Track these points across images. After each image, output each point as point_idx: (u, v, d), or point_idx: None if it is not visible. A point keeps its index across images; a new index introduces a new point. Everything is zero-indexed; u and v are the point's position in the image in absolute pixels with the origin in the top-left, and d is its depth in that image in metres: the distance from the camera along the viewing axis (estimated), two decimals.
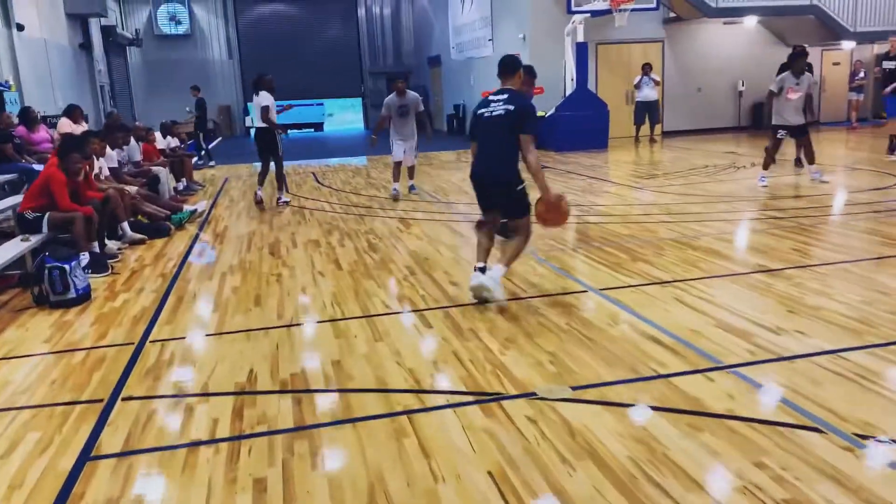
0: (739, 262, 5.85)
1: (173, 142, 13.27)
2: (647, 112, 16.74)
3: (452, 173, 13.02)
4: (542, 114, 16.63)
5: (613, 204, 9.00)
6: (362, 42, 30.34)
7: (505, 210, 5.20)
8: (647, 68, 16.70)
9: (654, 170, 12.08)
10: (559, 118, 15.84)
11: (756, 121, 18.91)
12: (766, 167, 9.72)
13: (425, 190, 10.98)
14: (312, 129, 29.87)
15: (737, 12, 17.13)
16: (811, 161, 9.70)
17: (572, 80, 15.99)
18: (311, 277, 6.01)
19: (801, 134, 9.60)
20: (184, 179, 12.46)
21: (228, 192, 12.05)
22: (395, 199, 10.15)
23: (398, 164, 10.50)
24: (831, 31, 17.65)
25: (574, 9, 14.95)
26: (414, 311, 4.98)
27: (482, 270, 5.02)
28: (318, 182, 12.70)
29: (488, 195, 5.19)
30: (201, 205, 10.04)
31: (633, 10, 14.77)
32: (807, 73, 9.38)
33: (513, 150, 4.95)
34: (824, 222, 7.30)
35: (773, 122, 9.58)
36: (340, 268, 6.28)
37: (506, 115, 4.93)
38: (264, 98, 9.58)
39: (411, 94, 10.59)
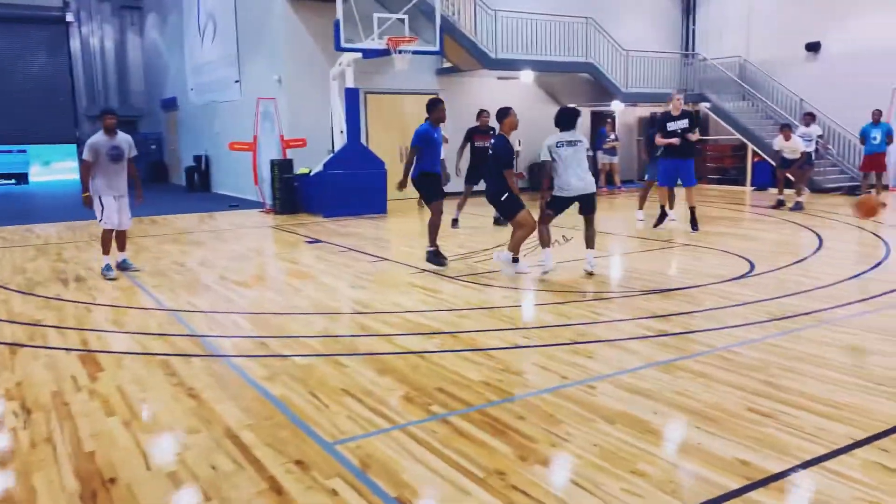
0: None
1: None
2: None
3: (189, 250, 9.50)
4: (307, 171, 13.67)
5: (433, 310, 6.27)
6: (77, 78, 25.12)
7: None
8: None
9: (457, 244, 9.69)
10: (328, 178, 13.00)
11: (533, 182, 17.72)
12: (544, 245, 7.49)
13: (147, 273, 7.45)
14: (14, 181, 23.87)
15: (515, 65, 15.80)
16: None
17: (342, 132, 13.28)
18: None
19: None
20: None
21: None
22: (110, 277, 7.50)
23: (110, 233, 7.25)
24: (604, 91, 17.09)
25: (344, 46, 12.33)
26: None
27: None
28: None
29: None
30: None
31: (415, 52, 12.52)
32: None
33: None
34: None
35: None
36: None
37: None
38: None
39: (123, 134, 7.36)
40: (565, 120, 7.24)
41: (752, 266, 7.61)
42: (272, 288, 7.47)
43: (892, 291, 6.36)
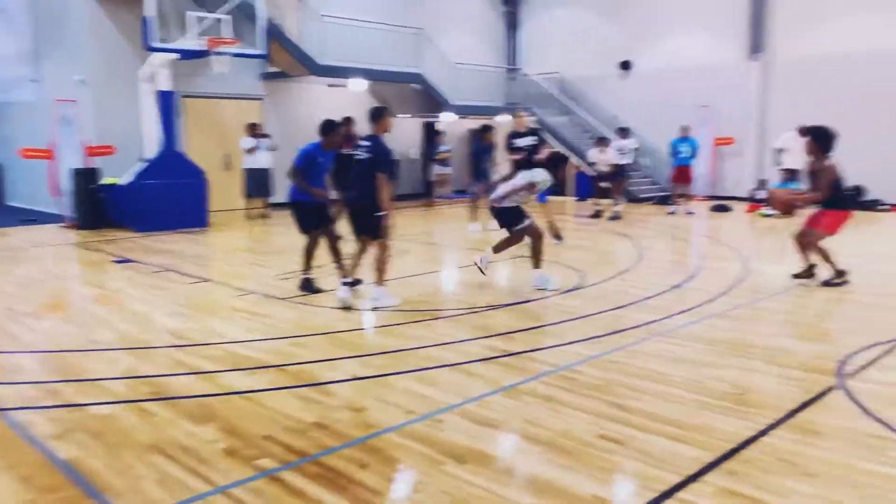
0: None
1: None
2: (259, 182, 13.73)
3: None
4: (114, 181, 12.36)
5: (262, 339, 5.67)
6: None
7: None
8: (256, 129, 13.79)
9: (290, 261, 9.08)
10: (140, 188, 11.80)
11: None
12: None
13: None
14: None
15: (344, 72, 15.35)
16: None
17: (157, 139, 12.12)
18: None
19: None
20: None
21: None
22: None
23: None
24: (435, 102, 17.10)
25: (154, 46, 11.25)
26: None
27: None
28: None
29: None
30: None
31: (237, 55, 11.69)
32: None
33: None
34: None
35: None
36: None
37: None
38: None
39: None
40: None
41: (584, 277, 7.75)
42: (69, 319, 6.49)
43: (710, 301, 6.67)
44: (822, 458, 3.36)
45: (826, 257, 7.20)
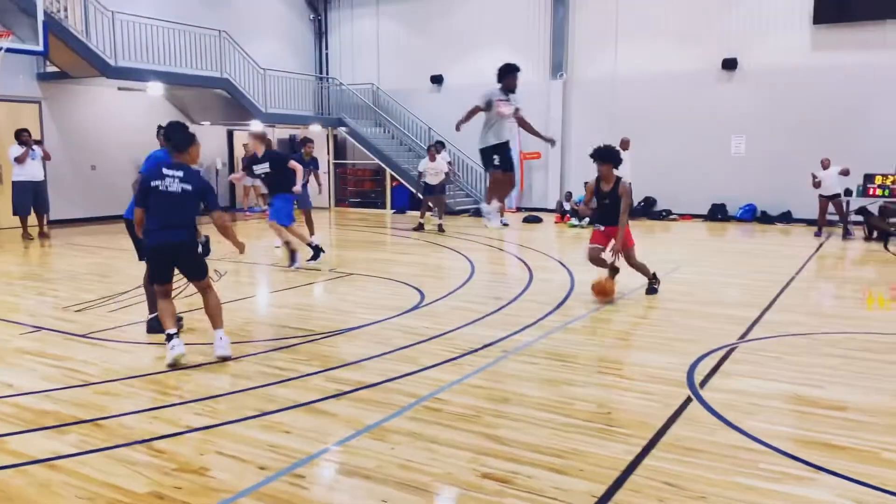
0: None
1: None
2: (32, 196, 11.94)
3: None
4: None
5: (62, 387, 4.69)
6: None
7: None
8: (25, 135, 11.99)
9: (81, 288, 7.85)
10: None
11: None
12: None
13: None
14: None
15: (139, 75, 13.91)
16: None
17: None
18: None
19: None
20: None
21: None
22: None
23: None
24: (243, 110, 16.08)
25: None
26: None
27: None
28: None
29: None
30: None
31: (8, 50, 10.04)
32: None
33: None
34: None
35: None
36: None
37: None
38: None
39: None
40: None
41: (423, 294, 7.48)
42: None
43: (550, 313, 6.68)
44: (705, 478, 3.31)
45: (642, 268, 7.50)
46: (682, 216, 15.94)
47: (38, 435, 3.80)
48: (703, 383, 4.67)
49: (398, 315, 6.60)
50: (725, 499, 3.12)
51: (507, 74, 7.14)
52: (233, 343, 5.40)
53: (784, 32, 14.72)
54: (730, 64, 15.21)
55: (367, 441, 3.74)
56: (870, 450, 3.63)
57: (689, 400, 4.35)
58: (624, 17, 16.27)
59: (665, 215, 15.94)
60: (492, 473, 3.34)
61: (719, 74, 15.42)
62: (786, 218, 14.96)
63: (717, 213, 15.63)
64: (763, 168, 15.09)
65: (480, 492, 3.17)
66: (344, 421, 4.01)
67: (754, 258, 10.69)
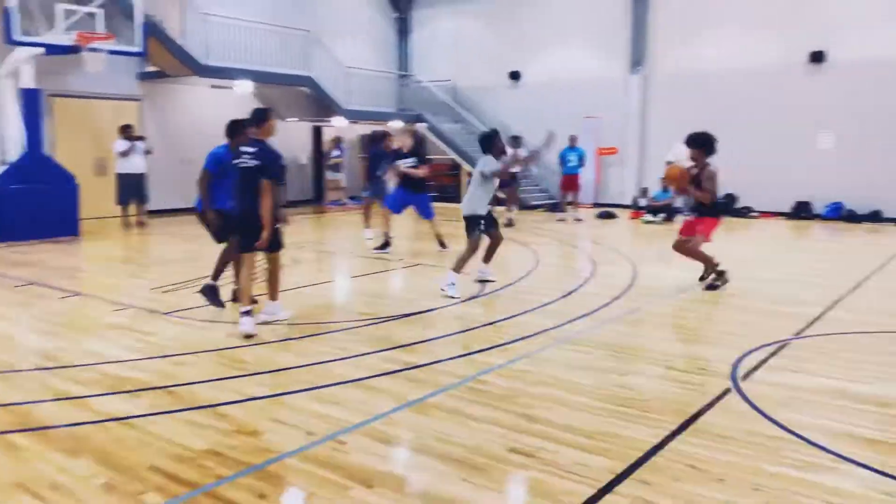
0: None
1: None
2: (134, 187, 12.88)
3: None
4: None
5: (142, 358, 5.21)
6: None
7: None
8: (129, 131, 12.93)
9: (171, 272, 8.50)
10: (2, 194, 10.77)
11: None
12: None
13: None
14: None
15: (229, 73, 14.72)
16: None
17: (22, 142, 11.11)
18: None
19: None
20: None
21: None
22: None
23: None
24: (325, 107, 16.73)
25: (17, 39, 10.31)
26: None
27: None
28: None
29: None
30: None
31: (111, 52, 10.91)
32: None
33: None
34: None
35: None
36: None
37: None
38: None
39: None
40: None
41: (483, 284, 7.70)
42: None
43: (606, 306, 6.78)
44: (728, 462, 3.40)
45: (707, 260, 7.49)
46: (764, 213, 15.48)
47: (119, 398, 4.27)
48: (746, 376, 4.70)
49: (455, 303, 6.85)
50: (744, 482, 3.21)
51: (491, 142, 7.40)
52: (301, 324, 5.79)
53: (878, 24, 14.04)
54: (817, 57, 14.65)
55: (408, 414, 4.01)
56: None
57: (727, 391, 4.41)
58: (706, 10, 15.92)
59: (746, 213, 15.52)
60: (519, 448, 3.55)
61: (806, 67, 14.86)
62: (875, 217, 14.31)
63: (801, 212, 15.10)
64: (851, 165, 14.46)
65: (506, 463, 3.39)
66: (390, 395, 4.30)
67: (832, 257, 10.35)
